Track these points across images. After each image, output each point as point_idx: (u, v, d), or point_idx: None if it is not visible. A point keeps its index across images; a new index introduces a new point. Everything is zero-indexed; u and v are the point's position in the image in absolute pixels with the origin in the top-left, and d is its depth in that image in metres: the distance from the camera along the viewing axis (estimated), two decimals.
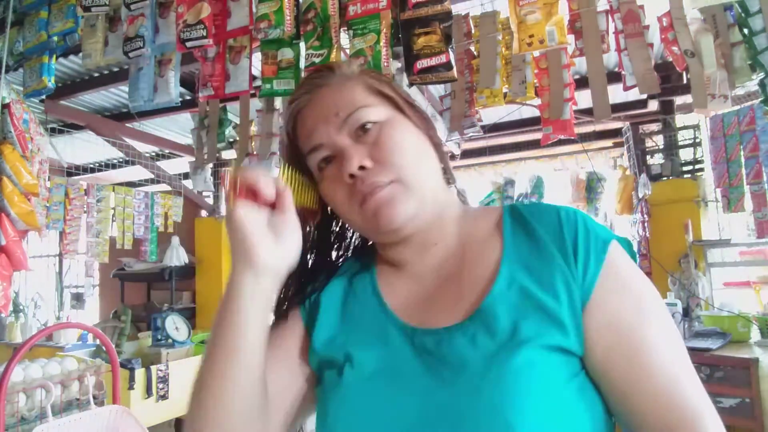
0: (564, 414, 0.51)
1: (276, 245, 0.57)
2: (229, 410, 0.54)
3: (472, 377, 0.52)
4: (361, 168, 0.59)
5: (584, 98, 3.11)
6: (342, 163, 0.60)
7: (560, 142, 2.08)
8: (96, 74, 3.55)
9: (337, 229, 0.74)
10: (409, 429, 0.53)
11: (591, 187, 3.72)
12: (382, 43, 1.62)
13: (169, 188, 4.48)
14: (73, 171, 4.03)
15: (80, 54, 2.14)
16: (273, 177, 0.59)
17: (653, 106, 3.54)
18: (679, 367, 0.54)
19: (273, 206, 0.59)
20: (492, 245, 0.62)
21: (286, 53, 1.78)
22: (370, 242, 0.73)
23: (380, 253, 0.69)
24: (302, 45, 1.78)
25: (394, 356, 0.58)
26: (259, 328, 0.57)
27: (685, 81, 2.85)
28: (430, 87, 2.84)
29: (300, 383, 0.65)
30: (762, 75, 1.51)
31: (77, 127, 4.08)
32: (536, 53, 1.93)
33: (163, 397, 2.84)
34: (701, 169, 3.37)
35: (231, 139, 2.83)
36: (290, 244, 0.59)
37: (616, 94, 3.54)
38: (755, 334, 2.47)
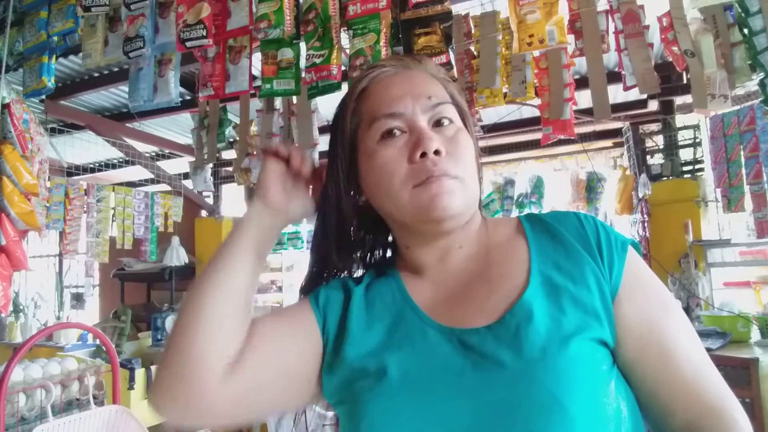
0: (611, 403, 0.53)
1: (286, 194, 0.69)
2: (207, 314, 0.59)
3: (523, 371, 0.53)
4: (437, 153, 0.60)
5: (584, 98, 3.11)
6: (419, 142, 0.61)
7: (560, 142, 2.09)
8: (96, 74, 3.55)
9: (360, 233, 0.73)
10: (465, 427, 0.53)
11: (591, 187, 3.72)
12: (381, 43, 1.62)
13: (169, 188, 4.48)
14: (73, 171, 4.03)
15: (80, 54, 2.14)
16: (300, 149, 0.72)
17: (653, 106, 3.54)
18: (704, 359, 0.59)
19: (297, 173, 0.70)
20: (517, 246, 0.64)
21: (286, 53, 1.78)
22: (389, 255, 0.75)
23: (401, 260, 0.70)
24: (302, 45, 1.78)
25: (436, 358, 0.58)
26: (253, 253, 0.66)
27: (685, 81, 2.85)
28: None
29: (286, 346, 0.64)
30: (762, 75, 1.51)
31: (77, 127, 4.08)
32: (536, 53, 1.93)
33: None
34: (701, 169, 3.37)
35: (231, 139, 2.83)
36: (297, 198, 0.70)
37: (616, 94, 3.54)
38: (755, 334, 2.46)
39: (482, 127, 2.42)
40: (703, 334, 2.45)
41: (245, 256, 0.65)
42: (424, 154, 0.60)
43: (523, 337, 0.55)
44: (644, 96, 3.35)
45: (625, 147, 3.72)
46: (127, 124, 4.15)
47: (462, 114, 0.68)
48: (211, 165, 2.76)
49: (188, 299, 0.62)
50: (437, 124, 0.64)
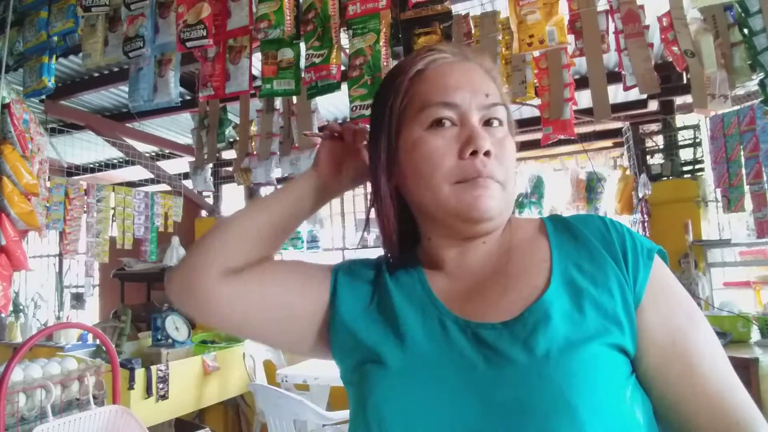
0: (625, 410, 0.52)
1: (335, 167, 0.74)
2: (222, 233, 0.69)
3: (536, 371, 0.52)
4: (486, 154, 0.60)
5: (584, 98, 3.11)
6: (471, 139, 0.60)
7: (560, 142, 2.09)
8: (96, 74, 3.54)
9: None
10: (473, 422, 0.53)
11: (591, 187, 3.71)
12: (381, 43, 1.62)
13: (169, 188, 4.47)
14: (73, 171, 4.03)
15: (80, 54, 2.14)
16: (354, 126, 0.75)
17: (653, 106, 3.54)
18: (730, 373, 0.57)
19: (350, 147, 0.75)
20: (538, 245, 0.63)
21: (286, 53, 1.78)
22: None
23: (420, 251, 0.70)
24: (302, 45, 1.78)
25: (451, 349, 0.58)
26: (294, 204, 0.72)
27: (685, 81, 2.85)
28: None
29: (292, 280, 0.69)
30: (762, 75, 1.51)
31: (77, 127, 4.08)
32: (536, 53, 1.93)
33: (163, 397, 2.84)
34: (701, 169, 3.37)
35: (231, 139, 2.83)
36: (346, 172, 0.75)
37: (616, 94, 3.54)
38: (755, 334, 2.46)
39: None
40: None
41: (282, 198, 0.72)
42: (474, 153, 0.59)
43: (539, 337, 0.54)
44: (644, 96, 3.35)
45: (625, 147, 3.72)
46: (127, 124, 4.15)
47: (508, 117, 0.67)
48: (211, 165, 2.76)
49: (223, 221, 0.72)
50: (487, 123, 0.63)
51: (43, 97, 2.39)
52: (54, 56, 2.19)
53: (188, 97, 3.55)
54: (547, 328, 0.54)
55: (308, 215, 0.75)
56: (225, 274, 0.66)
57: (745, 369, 2.12)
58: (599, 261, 0.59)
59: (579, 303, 0.56)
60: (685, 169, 3.43)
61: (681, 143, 3.46)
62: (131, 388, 2.67)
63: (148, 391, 2.76)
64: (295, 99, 2.39)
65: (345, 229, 4.86)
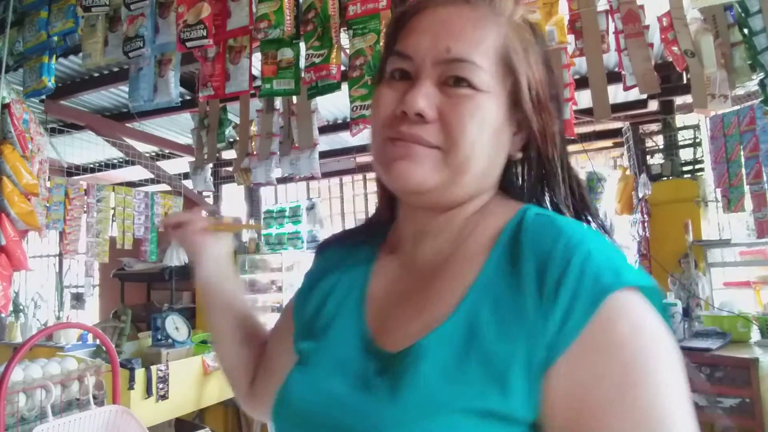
0: None
1: (203, 246, 0.81)
2: (223, 365, 0.80)
3: (381, 420, 0.45)
4: (420, 115, 0.50)
5: (584, 98, 3.11)
6: (407, 94, 0.51)
7: None
8: (96, 74, 3.55)
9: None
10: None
11: (591, 187, 3.71)
12: (381, 43, 1.62)
13: (169, 188, 4.48)
14: (73, 171, 4.03)
15: (80, 54, 2.14)
16: (179, 215, 0.85)
17: (653, 106, 3.54)
18: None
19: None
20: (476, 260, 0.51)
21: (286, 53, 1.78)
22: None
23: (391, 232, 0.64)
24: (302, 45, 1.78)
25: (345, 365, 0.53)
26: (220, 304, 0.79)
27: (685, 81, 2.85)
28: None
29: (281, 351, 0.70)
30: (762, 75, 1.51)
31: (77, 127, 4.08)
32: None
33: (163, 397, 2.84)
34: (701, 169, 3.37)
35: (231, 139, 2.83)
36: (214, 241, 0.83)
37: (616, 94, 3.54)
38: (755, 334, 2.47)
39: None
40: (703, 334, 2.46)
41: (211, 312, 0.79)
42: (404, 113, 0.51)
43: (402, 386, 0.46)
44: (644, 96, 3.35)
45: (625, 147, 3.72)
46: (127, 124, 4.15)
47: (515, 80, 0.53)
48: (211, 165, 2.76)
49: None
50: (455, 83, 0.51)
51: (43, 97, 2.39)
52: (54, 56, 2.19)
53: (188, 97, 3.55)
54: (413, 378, 0.46)
55: (240, 290, 0.84)
56: (250, 386, 0.77)
57: (745, 369, 2.12)
58: (520, 297, 0.45)
59: (466, 352, 0.45)
60: (685, 169, 3.43)
61: (681, 143, 3.46)
62: (131, 388, 2.67)
63: (148, 391, 2.76)
64: (295, 99, 2.39)
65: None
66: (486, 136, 0.51)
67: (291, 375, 0.57)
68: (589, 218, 0.57)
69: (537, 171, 0.57)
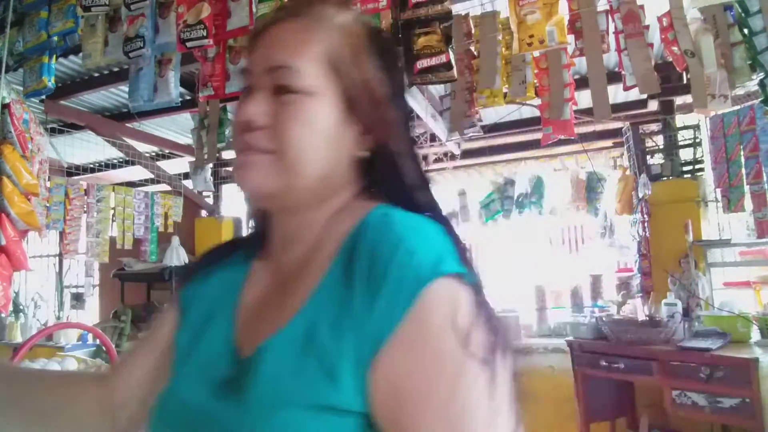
0: None
1: None
2: None
3: (227, 424, 0.47)
4: (252, 123, 0.54)
5: (584, 98, 3.10)
6: (240, 106, 0.56)
7: (560, 142, 2.09)
8: (96, 74, 3.54)
9: None
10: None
11: (591, 187, 3.72)
12: None
13: (169, 188, 4.47)
14: (73, 171, 4.03)
15: (80, 54, 2.14)
16: None
17: (653, 106, 3.54)
18: None
19: None
20: (324, 264, 0.52)
21: None
22: None
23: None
24: None
25: (213, 371, 0.53)
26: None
27: (685, 81, 2.86)
28: (430, 87, 2.84)
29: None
30: (762, 75, 1.52)
31: (77, 127, 4.08)
32: (536, 53, 1.93)
33: None
34: (701, 169, 3.37)
35: (231, 139, 2.83)
36: None
37: (616, 94, 3.53)
38: (755, 334, 2.46)
39: (482, 127, 2.42)
40: (703, 334, 2.46)
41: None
42: (240, 123, 0.55)
43: (245, 387, 0.48)
44: (644, 96, 3.35)
45: (625, 147, 3.72)
46: (127, 124, 4.14)
47: (344, 79, 0.56)
48: (211, 165, 2.76)
49: None
50: (281, 89, 0.54)
51: (43, 97, 2.39)
52: (54, 56, 2.19)
53: (188, 97, 3.54)
54: (255, 379, 0.47)
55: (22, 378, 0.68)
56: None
57: (745, 369, 2.12)
58: (353, 293, 0.47)
59: (305, 352, 0.47)
60: (685, 169, 3.43)
61: (681, 143, 3.46)
62: None
63: None
64: None
65: None
66: (317, 137, 0.54)
67: (161, 392, 0.56)
68: (435, 212, 0.58)
69: (384, 168, 0.58)
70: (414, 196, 0.57)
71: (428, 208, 0.57)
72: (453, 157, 3.96)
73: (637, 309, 3.18)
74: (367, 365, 0.44)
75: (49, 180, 3.13)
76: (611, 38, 1.75)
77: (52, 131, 3.80)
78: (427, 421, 0.42)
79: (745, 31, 1.54)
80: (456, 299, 0.45)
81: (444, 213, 0.59)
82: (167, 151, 4.89)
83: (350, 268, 0.48)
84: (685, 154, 3.48)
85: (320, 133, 0.54)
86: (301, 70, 0.54)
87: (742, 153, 2.68)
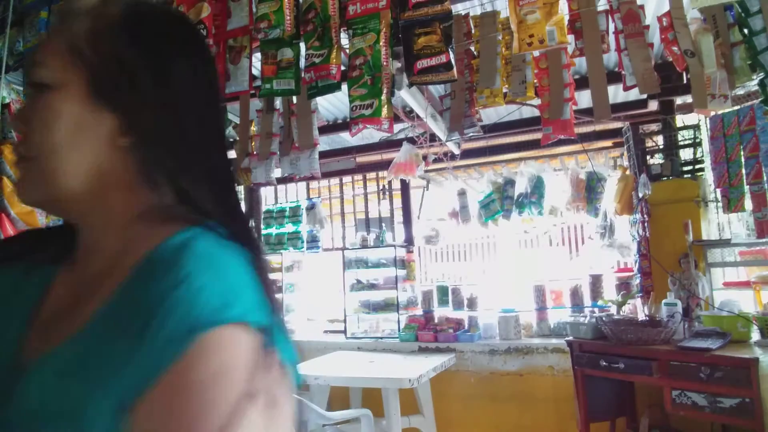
0: None
1: None
2: None
3: None
4: (15, 130, 0.53)
5: (584, 98, 3.11)
6: None
7: (560, 142, 2.09)
8: None
9: None
10: None
11: (591, 187, 3.71)
12: (381, 43, 1.62)
13: None
14: None
15: None
16: None
17: (653, 106, 3.54)
18: None
19: None
20: (111, 285, 0.47)
21: (286, 53, 1.78)
22: None
23: None
24: (302, 45, 1.78)
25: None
26: None
27: (685, 81, 2.86)
28: (430, 87, 2.84)
29: None
30: (762, 75, 1.52)
31: None
32: (536, 53, 1.93)
33: None
34: (701, 169, 3.37)
35: (231, 139, 2.83)
36: None
37: (616, 94, 3.54)
38: (755, 334, 2.46)
39: (482, 127, 2.42)
40: (703, 334, 2.46)
41: None
42: None
43: (9, 402, 0.44)
44: (644, 96, 3.35)
45: (625, 147, 3.72)
46: None
47: (91, 65, 0.51)
48: None
49: None
50: (36, 89, 0.52)
51: None
52: None
53: None
54: (20, 396, 0.44)
55: None
56: None
57: (746, 369, 2.12)
58: (131, 330, 0.43)
59: (70, 375, 0.44)
60: (685, 169, 3.43)
61: (681, 143, 3.46)
62: None
63: None
64: (295, 99, 2.39)
65: (345, 229, 4.86)
66: (66, 134, 0.50)
67: None
68: (237, 218, 0.54)
69: (157, 160, 0.52)
70: (196, 196, 0.52)
71: (222, 211, 0.52)
72: (453, 157, 3.95)
73: (637, 309, 3.18)
74: (127, 404, 0.41)
75: None
76: (611, 38, 1.75)
77: None
78: None
79: (745, 31, 1.54)
80: (231, 350, 0.42)
81: (247, 226, 0.55)
82: None
83: (136, 297, 0.44)
84: (685, 154, 3.48)
85: (68, 129, 0.50)
86: (45, 63, 0.51)
87: (742, 153, 2.68)
